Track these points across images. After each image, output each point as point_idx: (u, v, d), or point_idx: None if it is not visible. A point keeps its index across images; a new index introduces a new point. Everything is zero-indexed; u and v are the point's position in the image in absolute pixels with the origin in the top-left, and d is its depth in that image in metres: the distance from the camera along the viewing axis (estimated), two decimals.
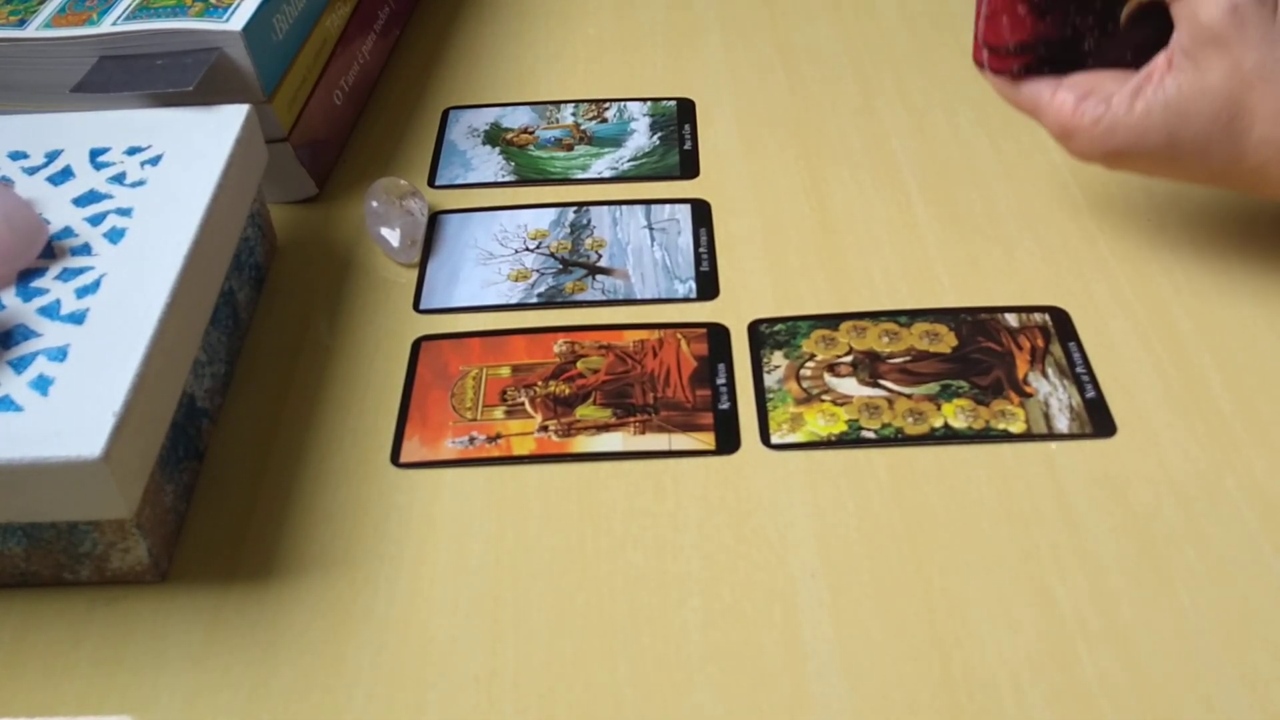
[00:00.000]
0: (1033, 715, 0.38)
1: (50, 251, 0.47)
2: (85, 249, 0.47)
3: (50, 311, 0.44)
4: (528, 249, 0.58)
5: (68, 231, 0.48)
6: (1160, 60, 0.44)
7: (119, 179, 0.50)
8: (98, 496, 0.40)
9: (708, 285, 0.55)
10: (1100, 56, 0.47)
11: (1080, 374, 0.49)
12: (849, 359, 0.51)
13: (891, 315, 0.52)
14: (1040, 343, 0.51)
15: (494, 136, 0.65)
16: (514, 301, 0.55)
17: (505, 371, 0.51)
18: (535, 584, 0.43)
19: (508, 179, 0.62)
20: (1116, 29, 0.46)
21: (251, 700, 0.40)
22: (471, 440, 0.48)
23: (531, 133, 0.65)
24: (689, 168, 0.62)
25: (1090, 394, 0.48)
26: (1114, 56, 0.47)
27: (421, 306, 0.55)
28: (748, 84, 0.68)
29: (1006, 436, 0.47)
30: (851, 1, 0.75)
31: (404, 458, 0.48)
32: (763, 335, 0.52)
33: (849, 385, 0.49)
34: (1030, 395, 0.48)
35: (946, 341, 0.51)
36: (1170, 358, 0.50)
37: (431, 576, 0.44)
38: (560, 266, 0.57)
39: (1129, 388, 0.49)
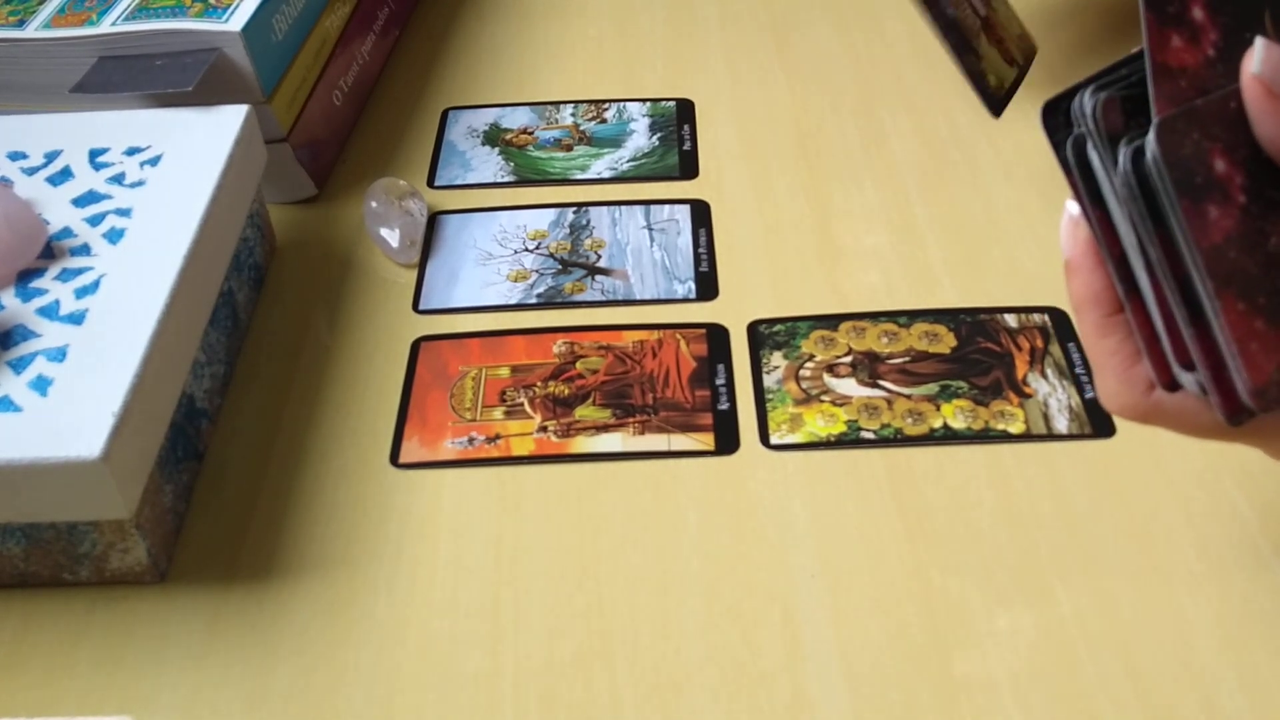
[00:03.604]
0: (1033, 715, 0.38)
1: (49, 252, 0.47)
2: (84, 249, 0.47)
3: (49, 312, 0.44)
4: (527, 249, 0.58)
5: (67, 232, 0.48)
6: None
7: (118, 179, 0.50)
8: (97, 497, 0.40)
9: (707, 286, 0.55)
10: None
11: (1079, 374, 0.49)
12: (848, 359, 0.51)
13: (891, 316, 0.52)
14: (1039, 343, 0.51)
15: (493, 137, 0.65)
16: (513, 302, 0.55)
17: (504, 372, 0.51)
18: (535, 584, 0.43)
19: (507, 179, 0.62)
20: None
21: (251, 700, 0.40)
22: (471, 441, 0.48)
23: (531, 133, 0.65)
24: (688, 168, 0.62)
25: (1090, 394, 0.48)
26: None
27: (421, 307, 0.55)
28: (747, 84, 0.68)
29: (1006, 437, 0.47)
30: (851, 2, 0.75)
31: (403, 458, 0.48)
32: (762, 336, 0.52)
33: (848, 386, 0.49)
34: (1029, 396, 0.48)
35: (946, 342, 0.51)
36: None
37: (431, 576, 0.44)
38: (559, 267, 0.56)
39: None
